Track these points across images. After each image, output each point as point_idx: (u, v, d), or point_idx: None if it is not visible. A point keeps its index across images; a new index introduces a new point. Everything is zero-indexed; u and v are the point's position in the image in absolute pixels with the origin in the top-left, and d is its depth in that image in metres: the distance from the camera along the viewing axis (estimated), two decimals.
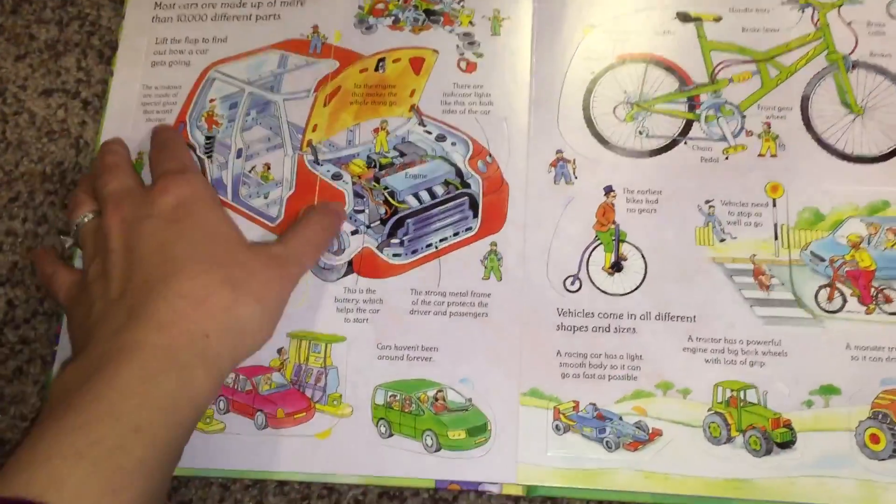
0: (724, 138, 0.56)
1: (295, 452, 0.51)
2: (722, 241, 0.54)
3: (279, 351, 0.54)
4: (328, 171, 0.57)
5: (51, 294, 0.53)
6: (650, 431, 0.50)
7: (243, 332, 0.46)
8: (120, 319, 0.44)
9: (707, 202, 0.54)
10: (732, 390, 0.50)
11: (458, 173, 0.56)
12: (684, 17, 0.59)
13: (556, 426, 0.51)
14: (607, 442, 0.50)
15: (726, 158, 0.55)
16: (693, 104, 0.57)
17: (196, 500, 0.52)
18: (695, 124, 0.56)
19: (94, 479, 0.37)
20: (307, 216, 0.54)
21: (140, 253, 0.46)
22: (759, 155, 0.55)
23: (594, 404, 0.51)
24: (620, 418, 0.51)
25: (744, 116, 0.56)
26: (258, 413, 0.52)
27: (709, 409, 0.50)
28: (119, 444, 0.38)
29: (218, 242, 0.48)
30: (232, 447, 0.52)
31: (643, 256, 0.54)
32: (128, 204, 0.49)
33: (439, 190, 0.56)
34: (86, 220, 0.51)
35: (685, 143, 0.56)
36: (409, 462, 0.51)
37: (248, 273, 0.47)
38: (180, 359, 0.42)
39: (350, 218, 0.56)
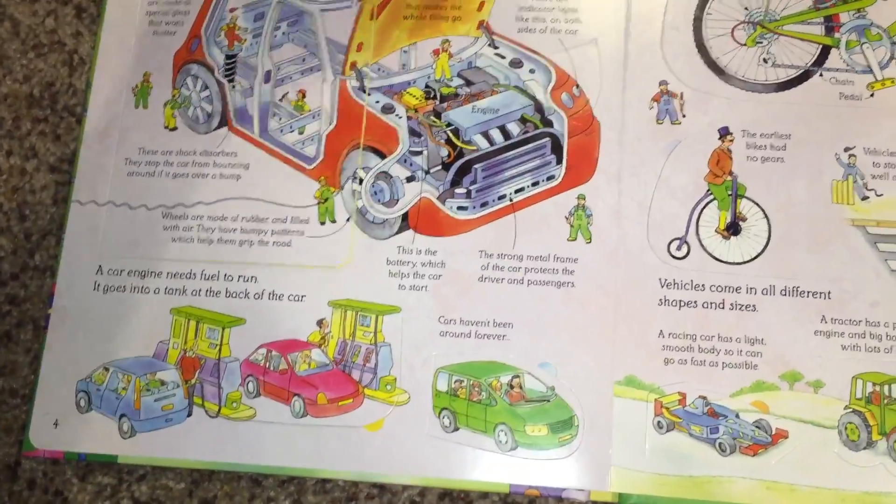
0: (868, 70, 0.46)
1: (340, 446, 0.43)
2: (864, 198, 0.44)
3: (319, 323, 0.44)
4: (377, 101, 0.47)
5: None
6: (773, 433, 0.42)
7: None
8: None
9: (847, 150, 0.44)
10: (875, 384, 0.42)
11: (538, 108, 0.46)
12: None
13: (658, 423, 0.42)
14: (720, 444, 0.42)
15: (871, 95, 0.45)
16: (831, 26, 0.46)
17: (221, 496, 0.44)
18: (833, 51, 0.46)
19: None
20: None
21: None
22: None
23: (704, 398, 0.42)
24: (737, 416, 0.42)
25: (894, 43, 0.45)
26: (295, 398, 0.43)
27: (845, 407, 0.42)
28: None
29: None
30: (264, 438, 0.43)
31: (766, 216, 0.44)
32: None
33: (514, 128, 0.46)
34: None
35: (820, 74, 0.46)
36: (479, 461, 0.42)
37: None
38: None
39: (405, 161, 0.46)
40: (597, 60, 0.47)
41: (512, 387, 0.43)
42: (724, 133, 0.45)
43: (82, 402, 0.44)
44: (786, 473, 0.41)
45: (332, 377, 0.44)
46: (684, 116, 0.46)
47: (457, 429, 0.43)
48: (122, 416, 0.44)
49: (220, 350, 0.44)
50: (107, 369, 0.44)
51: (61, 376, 0.44)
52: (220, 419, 0.44)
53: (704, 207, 0.45)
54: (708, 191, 0.45)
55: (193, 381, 0.44)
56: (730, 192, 0.45)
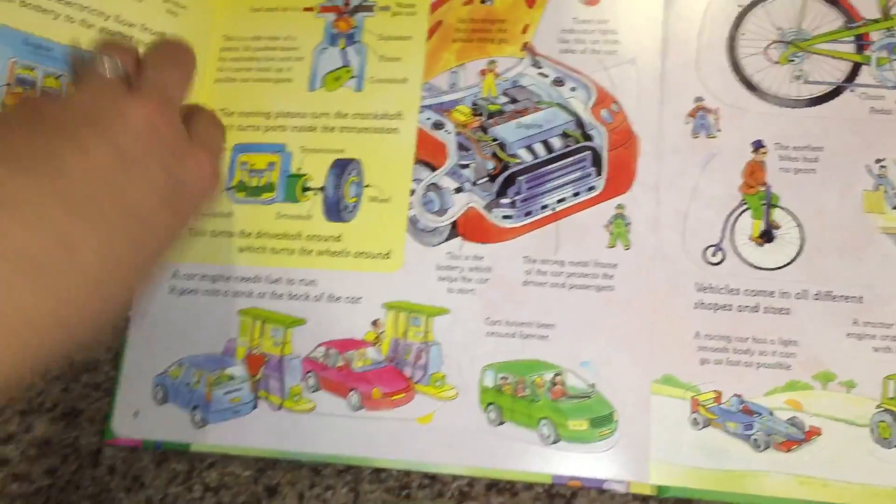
0: None
1: (393, 437, 0.46)
2: (895, 208, 0.45)
3: (374, 323, 0.48)
4: (428, 118, 0.50)
5: None
6: (807, 430, 0.43)
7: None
8: None
9: (878, 162, 0.46)
10: None
11: (579, 123, 0.49)
12: None
13: (695, 419, 0.44)
14: (755, 440, 0.43)
15: None
16: (862, 44, 0.48)
17: (284, 483, 0.47)
18: (863, 68, 0.48)
19: None
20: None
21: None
22: None
23: (739, 396, 0.44)
24: (771, 413, 0.44)
25: None
26: (352, 392, 0.47)
27: (877, 406, 0.43)
28: None
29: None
30: (323, 429, 0.46)
31: (799, 224, 0.46)
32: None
33: (557, 143, 0.49)
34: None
35: (851, 90, 0.47)
36: (523, 453, 0.45)
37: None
38: None
39: (454, 173, 0.49)
40: (635, 79, 0.49)
41: (554, 384, 0.46)
42: (758, 146, 0.47)
43: (159, 395, 0.48)
44: (818, 469, 0.43)
45: (385, 373, 0.47)
46: (719, 131, 0.48)
47: (502, 422, 0.46)
48: (194, 407, 0.47)
49: (283, 348, 0.48)
50: (181, 365, 0.48)
51: (140, 371, 0.48)
52: (282, 411, 0.47)
53: (739, 216, 0.47)
54: (742, 200, 0.47)
55: (259, 376, 0.48)
56: (763, 202, 0.47)
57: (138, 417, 0.47)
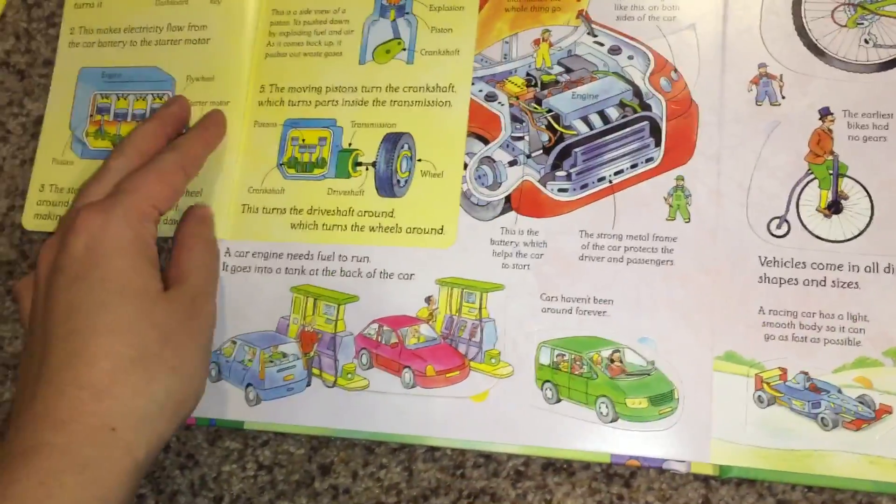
0: None
1: (447, 415, 0.45)
2: None
3: (427, 300, 0.47)
4: (480, 90, 0.49)
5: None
6: (877, 408, 0.42)
7: (162, 410, 0.40)
8: (25, 412, 0.38)
9: None
10: None
11: (637, 93, 0.47)
12: None
13: (759, 397, 0.43)
14: (822, 418, 0.42)
15: None
16: None
17: (338, 462, 0.47)
18: None
19: None
20: (185, 235, 0.46)
21: (50, 320, 0.40)
22: None
23: (806, 373, 0.43)
24: (839, 391, 0.42)
25: None
26: (405, 370, 0.46)
27: None
28: None
29: (128, 300, 0.40)
30: (377, 407, 0.46)
31: (869, 195, 0.44)
32: (51, 246, 0.43)
33: (613, 113, 0.47)
34: None
35: None
36: (580, 432, 0.44)
37: (163, 337, 0.40)
38: (82, 457, 0.37)
39: (507, 146, 0.48)
40: (695, 45, 0.48)
41: (612, 361, 0.45)
42: (825, 113, 0.45)
43: (213, 373, 0.48)
44: (890, 448, 0.41)
45: (439, 350, 0.47)
46: (784, 98, 0.46)
47: (559, 400, 0.45)
48: (248, 385, 0.47)
49: (336, 325, 0.47)
50: (234, 342, 0.48)
51: None
52: (336, 389, 0.47)
53: (805, 187, 0.45)
54: (808, 170, 0.45)
55: (312, 353, 0.47)
56: (831, 172, 0.45)
57: None
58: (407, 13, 0.51)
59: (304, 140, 0.50)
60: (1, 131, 0.53)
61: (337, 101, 0.50)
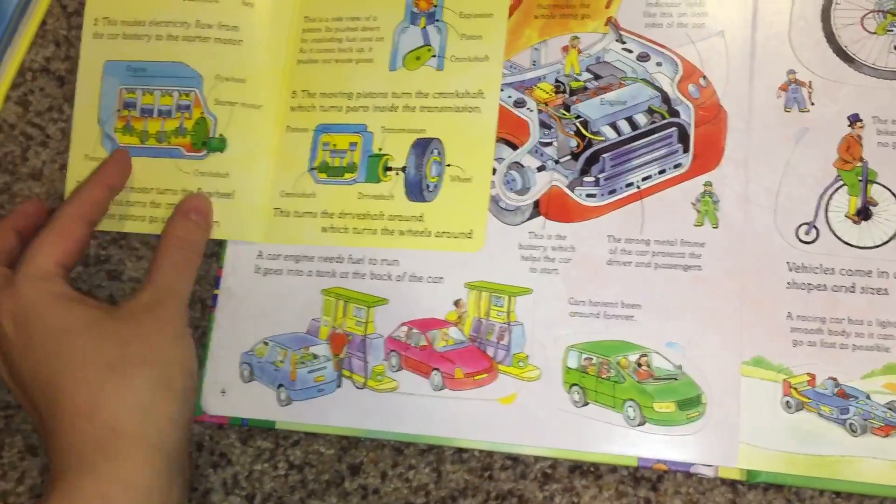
0: None
1: (475, 418, 0.46)
2: None
3: (456, 303, 0.47)
4: (509, 96, 0.50)
5: None
6: None
7: (153, 396, 0.43)
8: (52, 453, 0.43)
9: None
10: None
11: (665, 99, 0.48)
12: None
13: (787, 403, 0.43)
14: (851, 424, 0.42)
15: None
16: None
17: (367, 462, 0.47)
18: None
19: None
20: (163, 237, 0.48)
21: (25, 385, 0.44)
22: None
23: (834, 379, 0.43)
24: (868, 397, 0.42)
25: None
26: (434, 372, 0.47)
27: None
28: None
29: (74, 338, 0.43)
30: (406, 408, 0.46)
31: None
32: None
33: (641, 119, 0.48)
34: None
35: None
36: (608, 435, 0.44)
37: (123, 341, 0.43)
38: (93, 463, 0.41)
39: (536, 151, 0.48)
40: (724, 52, 0.48)
41: (640, 365, 0.45)
42: (855, 120, 0.46)
43: (245, 373, 0.49)
44: None
45: (468, 353, 0.47)
46: (813, 104, 0.46)
47: (586, 404, 0.45)
48: (279, 385, 0.48)
49: (365, 327, 0.48)
50: (266, 343, 0.49)
51: (227, 350, 0.49)
52: (366, 390, 0.47)
53: (834, 193, 0.45)
54: (837, 177, 0.45)
55: (342, 355, 0.48)
56: (860, 178, 0.45)
57: (225, 395, 0.48)
58: (437, 20, 0.51)
59: (335, 145, 0.51)
60: (41, 136, 0.55)
61: (367, 107, 0.51)
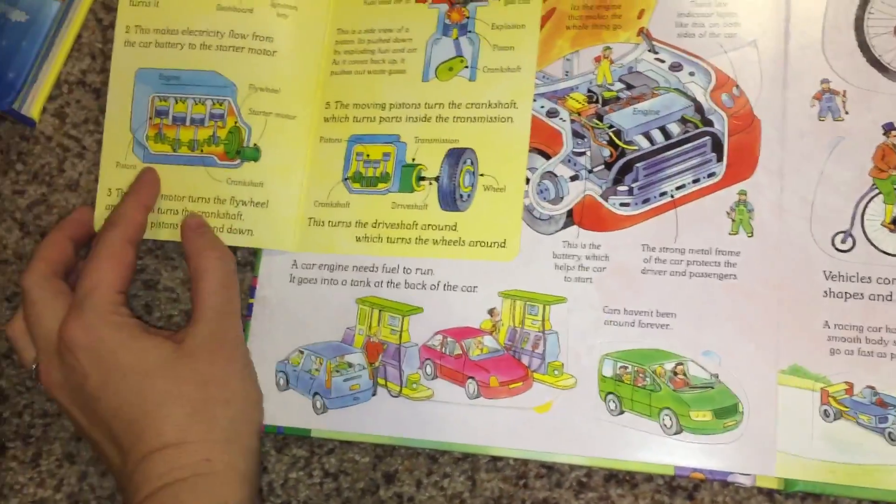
0: None
1: (510, 426, 0.46)
2: None
3: (490, 312, 0.48)
4: (542, 106, 0.50)
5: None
6: None
7: (237, 430, 0.45)
8: (129, 485, 0.43)
9: None
10: None
11: (698, 109, 0.48)
12: None
13: (825, 412, 0.43)
14: (890, 433, 0.42)
15: None
16: None
17: (402, 470, 0.47)
18: None
19: None
20: (199, 258, 0.48)
21: (104, 423, 0.44)
22: None
23: (873, 388, 0.43)
24: None
25: None
26: (469, 380, 0.47)
27: None
28: None
29: (153, 377, 0.44)
30: (441, 416, 0.47)
31: None
32: (51, 367, 0.46)
33: (675, 128, 0.48)
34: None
35: None
36: (644, 444, 0.44)
37: (201, 382, 0.44)
38: (193, 482, 0.42)
39: (569, 161, 0.49)
40: (756, 61, 0.48)
41: (676, 373, 0.45)
42: (889, 128, 0.46)
43: (281, 381, 0.49)
44: None
45: (503, 362, 0.47)
46: (847, 113, 0.46)
47: (622, 412, 0.45)
48: (315, 394, 0.48)
49: (400, 336, 0.48)
50: (301, 352, 0.49)
51: (263, 358, 0.49)
52: (401, 399, 0.48)
53: (870, 202, 0.45)
54: (873, 185, 0.45)
55: (377, 363, 0.48)
56: None
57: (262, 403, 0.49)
58: (469, 31, 0.52)
59: (368, 155, 0.51)
60: (77, 147, 0.55)
61: (400, 118, 0.51)
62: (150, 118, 0.53)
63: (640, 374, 0.45)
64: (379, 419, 0.47)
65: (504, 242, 0.48)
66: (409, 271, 0.49)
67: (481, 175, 0.50)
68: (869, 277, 0.44)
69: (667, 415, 0.44)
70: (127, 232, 0.48)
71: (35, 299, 0.46)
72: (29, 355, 0.47)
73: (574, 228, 0.48)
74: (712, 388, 0.44)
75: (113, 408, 0.43)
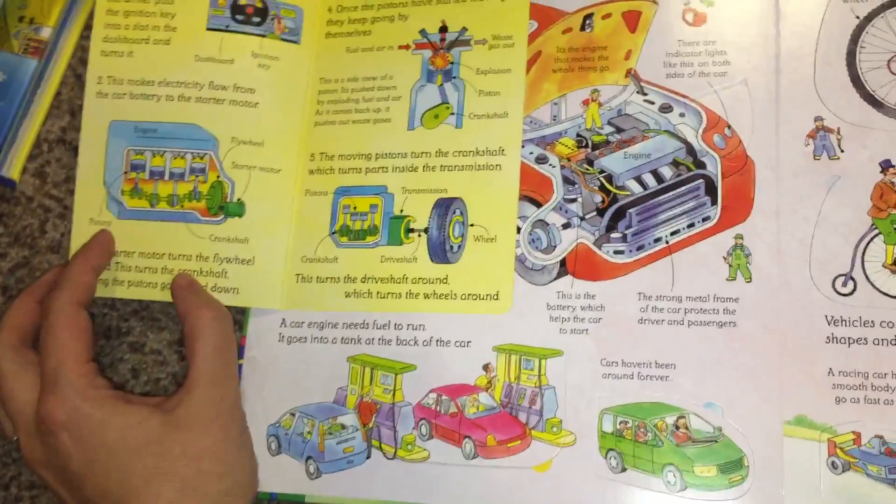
0: None
1: (510, 486, 0.44)
2: None
3: (485, 367, 0.46)
4: (531, 153, 0.49)
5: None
6: None
7: (234, 499, 0.44)
8: None
9: None
10: None
11: (690, 150, 0.47)
12: None
13: (833, 463, 0.41)
14: None
15: None
16: None
17: None
18: None
19: None
20: (193, 319, 0.46)
21: (95, 499, 0.42)
22: None
23: (881, 437, 0.41)
24: None
25: None
26: (466, 440, 0.45)
27: None
28: None
29: (146, 455, 0.42)
30: (438, 478, 0.45)
31: None
32: (33, 447, 0.44)
33: (667, 172, 0.47)
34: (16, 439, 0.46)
35: None
36: (648, 501, 0.43)
37: (193, 456, 0.43)
38: None
39: (561, 208, 0.48)
40: (748, 100, 0.47)
41: (678, 427, 0.44)
42: (887, 166, 0.44)
43: (273, 446, 0.48)
44: None
45: (499, 419, 0.46)
46: (842, 151, 0.45)
47: (624, 469, 0.44)
48: (308, 458, 0.47)
49: (394, 395, 0.47)
50: (293, 414, 0.48)
51: (253, 421, 0.48)
52: (396, 461, 0.46)
53: (869, 242, 0.44)
54: (872, 225, 0.44)
55: (371, 424, 0.47)
56: None
57: None
58: (454, 77, 0.51)
59: (355, 208, 0.50)
60: (59, 208, 0.54)
61: (387, 168, 0.50)
62: (126, 172, 0.52)
63: (642, 429, 0.44)
64: (374, 483, 0.46)
65: (497, 294, 0.47)
66: (400, 327, 0.48)
67: (471, 225, 0.48)
68: (872, 321, 0.43)
69: (670, 471, 0.43)
70: (74, 295, 0.46)
71: (5, 372, 0.44)
72: (8, 426, 0.46)
73: (568, 278, 0.47)
74: (716, 441, 0.43)
75: (100, 487, 0.42)
